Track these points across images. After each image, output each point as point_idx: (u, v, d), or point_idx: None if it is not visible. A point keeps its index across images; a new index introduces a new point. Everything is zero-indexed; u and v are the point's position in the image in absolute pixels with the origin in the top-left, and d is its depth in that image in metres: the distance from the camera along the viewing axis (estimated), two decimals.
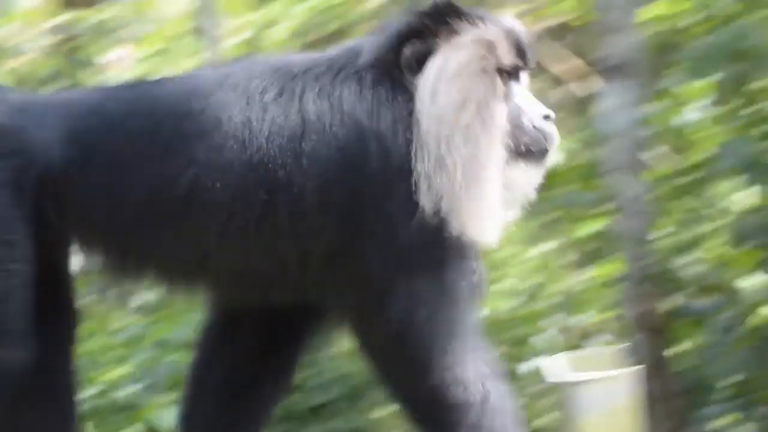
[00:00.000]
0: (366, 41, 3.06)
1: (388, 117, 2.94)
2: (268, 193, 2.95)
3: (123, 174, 3.00)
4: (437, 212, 2.92)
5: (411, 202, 2.93)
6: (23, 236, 2.99)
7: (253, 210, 2.96)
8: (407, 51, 2.98)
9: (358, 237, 2.95)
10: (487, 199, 2.95)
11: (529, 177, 3.06)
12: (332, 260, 2.98)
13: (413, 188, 2.92)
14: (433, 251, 2.95)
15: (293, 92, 2.99)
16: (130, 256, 3.08)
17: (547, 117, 3.04)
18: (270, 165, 2.95)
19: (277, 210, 2.96)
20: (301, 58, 3.11)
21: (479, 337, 3.04)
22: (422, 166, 2.91)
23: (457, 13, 3.02)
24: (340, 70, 3.00)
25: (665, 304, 5.02)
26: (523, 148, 3.01)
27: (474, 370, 2.98)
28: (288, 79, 3.01)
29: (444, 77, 2.95)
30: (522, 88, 3.06)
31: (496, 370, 3.03)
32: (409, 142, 2.93)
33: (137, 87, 3.19)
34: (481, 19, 3.02)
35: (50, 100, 3.17)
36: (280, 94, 2.99)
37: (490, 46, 2.98)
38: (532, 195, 3.10)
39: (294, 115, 2.96)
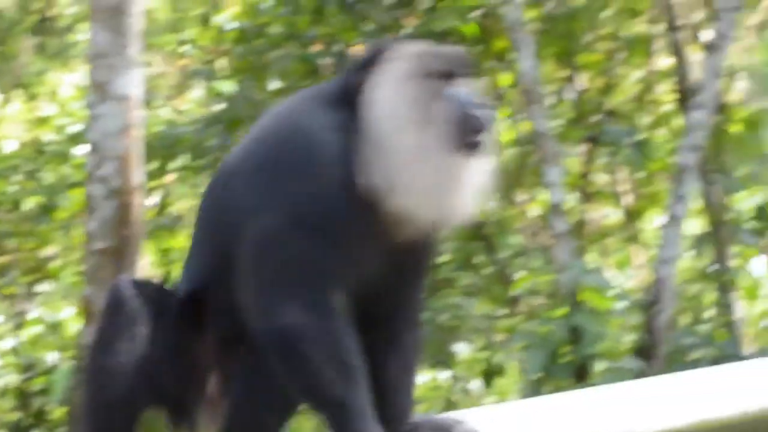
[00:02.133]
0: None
1: (322, 123, 3.46)
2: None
3: None
4: (370, 189, 3.40)
5: (326, 190, 3.39)
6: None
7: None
8: (350, 79, 3.53)
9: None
10: (418, 181, 3.41)
11: (466, 165, 3.48)
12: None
13: (331, 181, 3.39)
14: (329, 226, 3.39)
15: (279, 109, 3.58)
16: None
17: (480, 107, 3.45)
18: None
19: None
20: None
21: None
22: (361, 155, 3.41)
23: (390, 48, 3.55)
24: (309, 97, 3.56)
25: None
26: (458, 139, 3.45)
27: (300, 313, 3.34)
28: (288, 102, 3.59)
29: (377, 87, 3.49)
30: (456, 89, 3.49)
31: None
32: (345, 145, 3.43)
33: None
34: (407, 44, 3.56)
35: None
36: (274, 112, 3.61)
37: (412, 57, 3.50)
38: (481, 183, 3.52)
39: (265, 122, 3.57)
